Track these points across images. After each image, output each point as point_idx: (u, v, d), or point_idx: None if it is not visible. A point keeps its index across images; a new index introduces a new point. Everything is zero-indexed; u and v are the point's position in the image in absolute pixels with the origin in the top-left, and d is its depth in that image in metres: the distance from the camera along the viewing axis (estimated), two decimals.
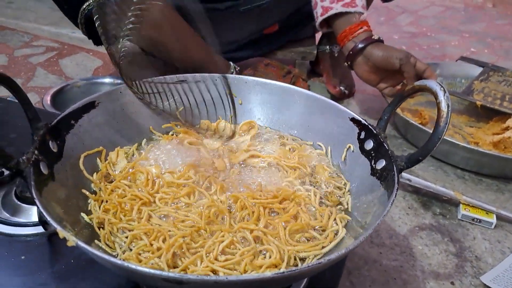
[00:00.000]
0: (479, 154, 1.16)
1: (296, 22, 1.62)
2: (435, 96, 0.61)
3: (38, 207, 0.50)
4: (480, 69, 1.57)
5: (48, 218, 0.48)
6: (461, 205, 1.05)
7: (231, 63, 1.40)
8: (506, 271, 0.90)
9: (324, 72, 1.68)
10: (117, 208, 0.62)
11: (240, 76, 0.88)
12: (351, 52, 1.23)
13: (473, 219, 1.03)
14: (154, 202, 0.63)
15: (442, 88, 0.60)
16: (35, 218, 0.79)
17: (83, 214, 0.62)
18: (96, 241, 0.60)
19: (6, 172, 0.88)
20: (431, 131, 1.15)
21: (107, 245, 0.60)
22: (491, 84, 1.48)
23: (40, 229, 0.77)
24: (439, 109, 0.59)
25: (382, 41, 1.23)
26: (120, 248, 0.59)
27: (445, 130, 0.58)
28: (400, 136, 1.38)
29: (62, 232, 0.47)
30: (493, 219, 1.02)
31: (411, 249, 0.95)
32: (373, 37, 1.22)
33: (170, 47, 1.26)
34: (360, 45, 1.21)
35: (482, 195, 1.14)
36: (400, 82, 1.25)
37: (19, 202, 0.82)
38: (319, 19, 1.29)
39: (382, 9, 2.69)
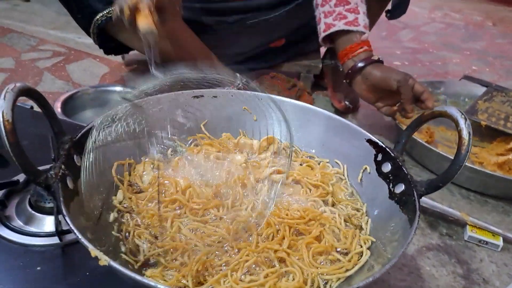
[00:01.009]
0: (485, 175, 1.17)
1: (302, 36, 1.64)
2: (456, 123, 0.62)
3: (57, 216, 0.50)
4: (483, 89, 1.59)
5: (80, 237, 0.49)
6: (467, 226, 1.06)
7: (238, 74, 1.40)
8: None
9: (328, 86, 1.69)
10: (151, 219, 0.62)
11: (255, 93, 0.88)
12: (350, 71, 1.25)
13: (479, 241, 1.04)
14: (185, 212, 0.64)
15: (463, 116, 0.61)
16: (48, 227, 0.79)
17: (113, 232, 0.62)
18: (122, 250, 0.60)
19: (21, 180, 0.88)
20: (437, 150, 1.19)
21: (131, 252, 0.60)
22: (495, 104, 1.49)
23: (54, 240, 0.77)
24: (460, 137, 0.60)
25: (381, 62, 1.25)
26: (144, 255, 0.60)
27: (466, 157, 0.59)
28: (405, 153, 1.38)
29: (94, 252, 0.47)
30: (500, 242, 1.02)
31: (418, 269, 0.96)
32: (373, 57, 1.24)
33: (178, 56, 1.28)
34: (360, 65, 1.23)
35: (488, 216, 1.15)
36: (397, 102, 1.26)
37: (33, 211, 0.82)
38: (321, 35, 1.31)
39: (384, 24, 2.71)
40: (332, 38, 1.31)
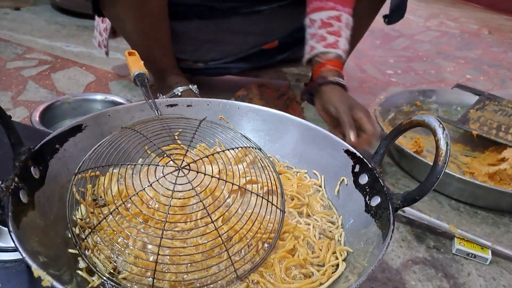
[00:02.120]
0: (474, 186, 1.13)
1: (295, 40, 1.62)
2: (434, 133, 0.59)
3: (13, 241, 0.47)
4: (476, 97, 1.56)
5: (24, 255, 0.45)
6: (455, 239, 1.03)
7: (190, 86, 1.40)
8: None
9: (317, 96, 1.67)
10: (111, 236, 0.59)
11: (233, 101, 0.86)
12: (310, 88, 1.24)
13: (467, 254, 1.00)
14: (149, 227, 0.60)
15: (441, 125, 0.58)
16: None
17: (70, 250, 0.59)
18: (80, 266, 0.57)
19: None
20: (425, 161, 1.16)
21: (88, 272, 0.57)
22: (487, 113, 1.47)
23: (19, 255, 0.74)
24: (437, 147, 0.57)
25: (342, 86, 1.22)
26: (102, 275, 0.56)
27: (443, 169, 0.56)
28: (395, 164, 1.36)
29: (37, 271, 0.44)
30: (489, 255, 0.99)
31: (403, 284, 0.92)
32: (333, 79, 1.21)
33: (139, 40, 1.28)
34: (319, 81, 1.21)
35: (477, 228, 1.12)
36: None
37: None
38: (305, 57, 1.32)
39: (378, 32, 2.69)
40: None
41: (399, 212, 1.07)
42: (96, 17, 1.64)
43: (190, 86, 1.39)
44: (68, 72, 1.82)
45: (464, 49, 2.62)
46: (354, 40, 1.45)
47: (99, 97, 1.39)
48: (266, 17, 1.50)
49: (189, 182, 0.59)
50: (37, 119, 1.19)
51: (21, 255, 0.45)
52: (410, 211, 1.07)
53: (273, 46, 1.61)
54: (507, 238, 1.09)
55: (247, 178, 0.70)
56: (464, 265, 0.99)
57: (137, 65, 0.85)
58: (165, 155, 0.62)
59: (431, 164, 1.11)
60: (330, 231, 0.68)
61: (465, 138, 1.45)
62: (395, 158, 1.36)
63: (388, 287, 0.91)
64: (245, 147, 0.72)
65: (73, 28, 2.34)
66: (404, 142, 1.31)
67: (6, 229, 0.75)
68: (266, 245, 0.61)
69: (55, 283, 0.43)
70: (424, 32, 2.88)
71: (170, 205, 0.56)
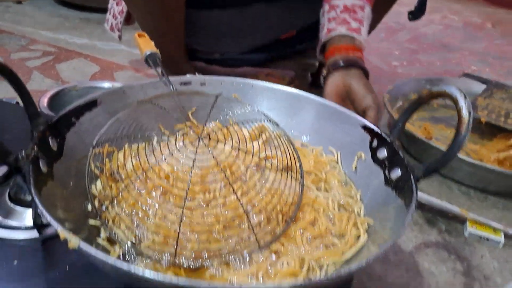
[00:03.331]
0: (485, 170, 1.13)
1: (315, 31, 1.61)
2: (455, 102, 0.58)
3: (36, 207, 0.46)
4: (483, 86, 1.55)
5: (49, 217, 0.45)
6: (467, 222, 1.02)
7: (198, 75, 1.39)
8: None
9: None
10: (131, 207, 0.58)
11: (247, 80, 0.85)
12: (330, 66, 1.17)
13: (480, 237, 1.00)
14: (169, 199, 0.59)
15: (462, 94, 0.58)
16: (28, 222, 0.76)
17: (91, 221, 0.59)
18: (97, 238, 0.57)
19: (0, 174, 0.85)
20: (436, 146, 1.15)
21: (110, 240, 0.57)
22: (495, 101, 1.46)
23: (34, 234, 0.74)
24: (460, 116, 0.57)
25: (366, 73, 1.17)
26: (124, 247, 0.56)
27: (466, 137, 0.56)
28: (404, 151, 1.35)
29: (63, 233, 0.43)
30: (501, 238, 0.99)
31: (417, 266, 0.92)
32: (360, 63, 1.16)
33: (151, 25, 1.26)
34: (344, 64, 1.15)
35: (488, 213, 1.11)
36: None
37: (12, 205, 0.78)
38: (322, 39, 1.26)
39: (382, 25, 2.68)
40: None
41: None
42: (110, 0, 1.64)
43: (197, 75, 1.38)
44: (73, 63, 1.82)
45: (468, 42, 2.61)
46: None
47: (106, 84, 1.38)
48: (287, 5, 1.48)
49: (210, 152, 0.58)
50: (45, 105, 1.18)
51: (46, 218, 0.45)
52: (421, 196, 1.06)
53: (291, 35, 1.59)
54: None
55: (264, 153, 0.69)
56: (476, 248, 0.99)
57: (147, 45, 0.85)
58: (186, 126, 0.62)
59: (443, 149, 1.13)
60: (349, 205, 0.67)
61: (474, 125, 1.42)
62: (404, 145, 1.36)
63: (401, 269, 0.91)
64: (262, 124, 0.72)
65: (76, 21, 2.33)
66: (413, 129, 1.30)
67: (20, 208, 0.77)
68: (286, 217, 0.61)
69: (83, 244, 0.42)
70: (427, 26, 2.87)
71: (191, 175, 0.55)
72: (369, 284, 0.86)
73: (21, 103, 0.62)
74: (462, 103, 0.57)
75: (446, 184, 1.21)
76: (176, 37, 1.38)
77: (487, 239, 0.99)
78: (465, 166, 1.15)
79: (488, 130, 1.40)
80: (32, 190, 0.48)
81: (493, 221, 1.02)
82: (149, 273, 0.39)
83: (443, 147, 1.15)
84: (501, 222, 1.03)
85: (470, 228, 1.00)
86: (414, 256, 0.94)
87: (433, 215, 1.07)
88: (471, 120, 0.56)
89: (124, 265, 0.40)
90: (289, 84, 1.54)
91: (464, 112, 0.56)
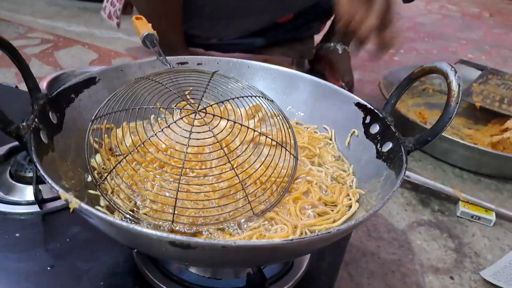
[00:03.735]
0: (479, 152, 1.15)
1: (310, 16, 1.62)
2: (445, 76, 0.60)
3: (37, 183, 0.48)
4: (478, 73, 1.57)
5: (50, 181, 0.46)
6: (460, 202, 1.04)
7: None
8: (506, 268, 0.89)
9: (325, 68, 1.68)
10: (130, 179, 0.60)
11: (243, 60, 0.86)
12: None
13: (472, 216, 1.02)
14: (166, 172, 0.61)
15: (452, 69, 0.59)
16: (29, 197, 0.78)
17: (90, 191, 0.60)
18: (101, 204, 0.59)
19: (1, 152, 0.86)
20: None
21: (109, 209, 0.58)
22: (490, 87, 1.48)
23: (34, 208, 0.75)
24: (449, 89, 0.58)
25: None
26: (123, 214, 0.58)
27: (455, 109, 0.57)
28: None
29: (64, 194, 0.45)
30: (493, 217, 1.01)
31: (409, 243, 0.94)
32: None
33: (148, 10, 1.27)
34: None
35: (481, 194, 1.13)
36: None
37: (13, 182, 0.80)
38: None
39: None
40: None
41: (404, 177, 1.08)
42: None
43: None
44: (71, 50, 1.83)
45: (465, 31, 2.63)
46: None
47: None
48: None
49: (206, 124, 0.60)
50: (45, 88, 1.19)
51: (47, 181, 0.46)
52: (414, 177, 1.08)
53: (288, 19, 1.61)
54: (510, 203, 1.10)
55: (259, 130, 0.71)
56: (468, 226, 1.01)
57: (145, 27, 0.86)
58: (181, 100, 0.63)
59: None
60: (342, 178, 0.69)
61: (468, 111, 1.46)
62: (398, 129, 1.37)
63: (394, 246, 0.93)
64: (257, 104, 0.73)
65: (74, 10, 2.34)
66: (409, 114, 1.32)
67: (21, 185, 0.79)
68: (280, 188, 0.62)
69: (83, 205, 0.43)
70: (425, 15, 2.89)
71: (188, 145, 0.57)
72: (363, 260, 0.88)
73: (20, 88, 0.63)
74: (452, 77, 0.59)
75: (441, 167, 1.23)
76: (174, 21, 1.39)
77: (479, 218, 1.01)
78: (459, 148, 1.17)
79: (482, 116, 1.42)
80: (34, 157, 0.50)
81: (486, 201, 1.04)
82: (152, 232, 0.41)
83: None
84: (493, 202, 1.05)
85: (462, 208, 1.02)
86: (407, 234, 0.96)
87: (427, 196, 1.09)
88: (460, 92, 0.57)
89: (129, 225, 0.42)
90: None
91: (454, 85, 0.58)
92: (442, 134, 0.60)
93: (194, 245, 0.41)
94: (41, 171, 0.47)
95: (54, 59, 1.72)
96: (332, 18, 1.72)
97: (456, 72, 0.59)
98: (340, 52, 1.67)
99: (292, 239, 0.42)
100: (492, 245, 0.95)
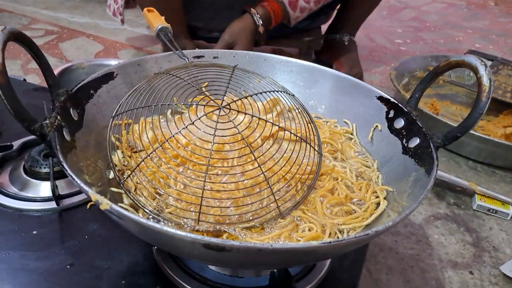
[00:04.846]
0: (493, 144, 1.14)
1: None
2: (475, 71, 0.58)
3: (54, 178, 0.46)
4: (489, 63, 1.55)
5: (78, 181, 0.45)
6: (476, 195, 1.03)
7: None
8: None
9: (334, 60, 1.67)
10: (153, 176, 0.59)
11: (259, 53, 0.85)
12: None
13: (488, 210, 1.01)
14: (188, 168, 0.60)
15: (483, 63, 0.58)
16: (44, 193, 0.76)
17: (113, 189, 0.59)
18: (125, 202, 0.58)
19: (14, 147, 0.85)
20: (445, 120, 1.16)
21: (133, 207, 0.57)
22: (501, 78, 1.46)
23: (50, 205, 0.74)
24: (480, 84, 0.57)
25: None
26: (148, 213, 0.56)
27: (487, 105, 0.56)
28: None
29: (94, 196, 0.43)
30: (510, 210, 1.00)
31: (427, 238, 0.93)
32: None
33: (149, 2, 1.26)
34: None
35: (496, 186, 1.12)
36: None
37: (27, 177, 0.79)
38: None
39: (384, 3, 2.67)
40: None
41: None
42: None
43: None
44: (76, 42, 1.81)
45: (471, 20, 2.61)
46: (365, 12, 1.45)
47: (113, 62, 1.38)
48: None
49: (231, 121, 0.58)
50: None
51: (75, 182, 0.45)
52: None
53: None
54: None
55: (280, 125, 0.70)
56: (485, 220, 1.00)
57: (158, 20, 0.84)
58: (204, 96, 0.62)
59: (451, 124, 1.13)
60: (367, 174, 0.68)
61: None
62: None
63: (411, 241, 0.92)
64: (275, 97, 0.72)
65: (77, 0, 2.31)
66: (421, 105, 1.30)
67: (35, 181, 0.77)
68: (305, 185, 0.61)
69: (114, 206, 0.42)
70: (430, 4, 2.86)
71: (213, 142, 0.55)
72: (380, 255, 0.87)
73: (28, 80, 0.61)
74: (482, 71, 0.57)
75: (454, 159, 1.21)
76: (176, 13, 1.37)
77: (496, 212, 1.00)
78: (473, 141, 1.16)
79: (494, 107, 1.41)
80: (60, 156, 0.49)
81: (501, 194, 1.03)
82: (187, 234, 0.40)
83: (451, 122, 1.15)
84: (509, 195, 1.04)
85: (478, 201, 1.01)
86: (424, 228, 0.95)
87: (442, 189, 1.08)
88: (492, 87, 0.56)
89: (163, 227, 0.41)
90: None
91: (485, 80, 0.56)
92: (454, 125, 0.59)
93: (229, 248, 0.40)
94: (69, 171, 0.46)
95: (59, 51, 1.70)
96: (337, 9, 1.70)
97: (486, 66, 0.57)
98: (346, 43, 1.65)
99: (330, 242, 0.41)
100: (510, 239, 0.95)
